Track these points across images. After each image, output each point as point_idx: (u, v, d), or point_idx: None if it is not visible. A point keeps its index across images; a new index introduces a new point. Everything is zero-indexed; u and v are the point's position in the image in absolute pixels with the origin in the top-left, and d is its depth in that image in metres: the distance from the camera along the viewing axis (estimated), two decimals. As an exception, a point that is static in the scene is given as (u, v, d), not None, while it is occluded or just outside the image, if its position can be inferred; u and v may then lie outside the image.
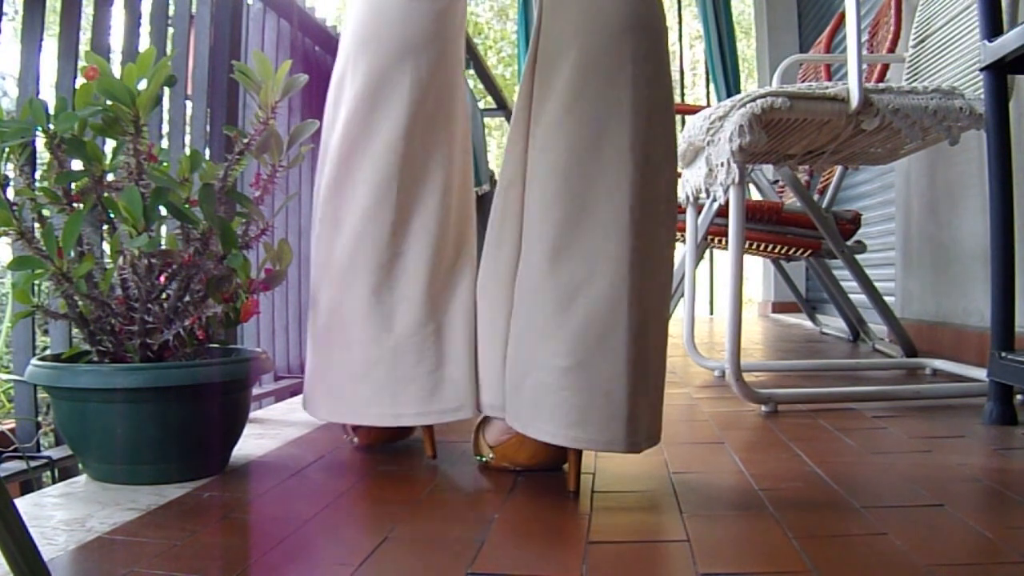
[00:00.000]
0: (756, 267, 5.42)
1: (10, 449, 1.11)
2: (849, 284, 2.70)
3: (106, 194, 0.96)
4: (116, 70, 0.95)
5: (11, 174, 0.92)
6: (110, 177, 0.98)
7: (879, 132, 1.39)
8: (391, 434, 1.11)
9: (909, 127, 1.32)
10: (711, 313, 5.27)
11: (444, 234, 1.01)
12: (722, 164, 1.32)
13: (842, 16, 2.51)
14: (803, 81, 2.80)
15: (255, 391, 1.76)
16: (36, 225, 0.93)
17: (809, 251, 2.59)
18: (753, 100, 1.28)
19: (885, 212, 3.21)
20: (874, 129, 1.33)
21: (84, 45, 1.24)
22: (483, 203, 5.03)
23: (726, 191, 1.36)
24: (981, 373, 1.47)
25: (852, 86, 1.30)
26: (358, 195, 0.99)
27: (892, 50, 2.10)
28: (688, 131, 1.55)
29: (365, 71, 0.98)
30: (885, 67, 2.15)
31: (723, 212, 2.42)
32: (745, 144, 1.27)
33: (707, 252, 4.11)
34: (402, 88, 0.96)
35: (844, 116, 1.33)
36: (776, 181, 2.91)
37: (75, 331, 1.09)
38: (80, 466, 0.99)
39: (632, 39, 0.86)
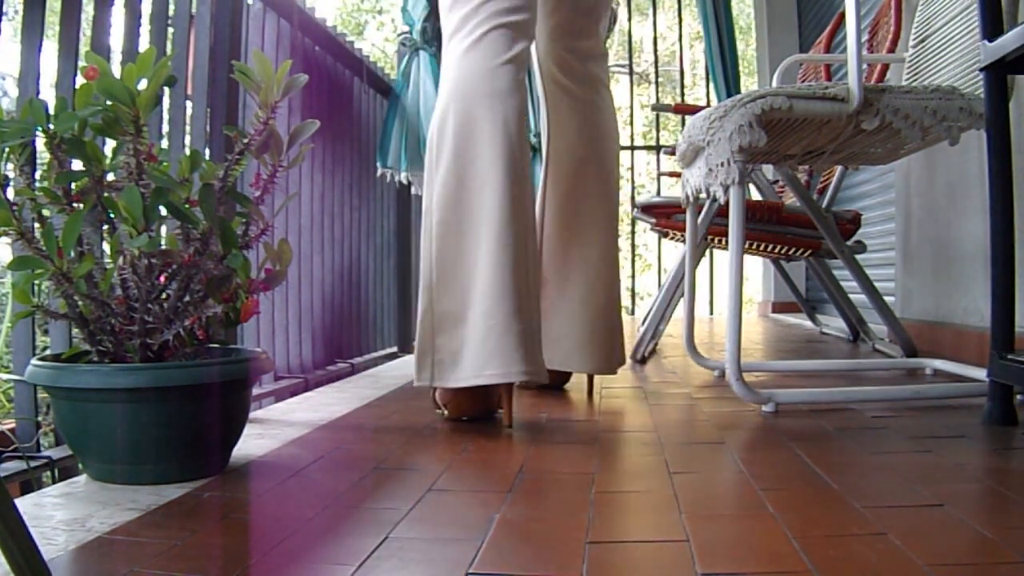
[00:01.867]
0: (756, 267, 5.41)
1: (10, 449, 1.11)
2: (849, 284, 2.70)
3: (106, 194, 0.96)
4: (116, 70, 0.95)
5: (11, 174, 0.92)
6: (110, 177, 0.98)
7: (879, 132, 1.38)
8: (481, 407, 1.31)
9: (909, 127, 1.32)
10: (711, 313, 5.27)
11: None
12: (722, 164, 1.32)
13: (842, 16, 2.51)
14: (803, 81, 2.80)
15: (255, 391, 1.76)
16: (36, 225, 0.93)
17: (809, 251, 2.59)
18: (753, 100, 1.28)
19: (885, 212, 3.21)
20: (874, 129, 1.33)
21: (84, 45, 1.24)
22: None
23: (726, 191, 1.36)
24: (981, 373, 1.47)
25: (852, 86, 1.30)
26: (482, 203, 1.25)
27: (892, 50, 2.10)
28: (688, 131, 1.55)
29: (460, 110, 1.26)
30: (885, 67, 2.15)
31: (723, 212, 2.42)
32: (745, 144, 1.27)
33: (707, 252, 4.11)
34: (495, 123, 1.24)
35: (844, 116, 1.33)
36: (776, 181, 2.91)
37: (75, 331, 1.09)
38: (80, 466, 0.99)
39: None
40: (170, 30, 1.53)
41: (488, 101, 1.24)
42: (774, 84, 2.14)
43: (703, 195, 1.51)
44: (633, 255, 5.87)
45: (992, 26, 1.21)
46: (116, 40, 1.37)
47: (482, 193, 1.23)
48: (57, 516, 0.81)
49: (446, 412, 1.33)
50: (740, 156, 1.29)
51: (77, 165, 0.96)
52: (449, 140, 1.25)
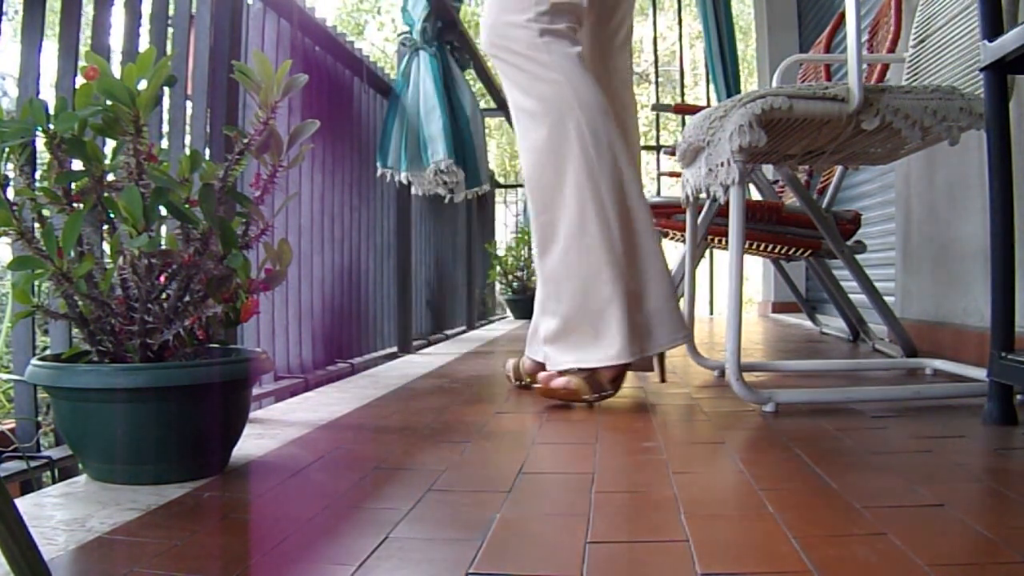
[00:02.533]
0: (756, 267, 5.42)
1: (10, 449, 1.11)
2: (849, 284, 2.70)
3: (106, 194, 0.96)
4: (116, 70, 0.95)
5: (11, 174, 0.92)
6: (110, 177, 0.98)
7: (879, 132, 1.38)
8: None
9: (909, 127, 1.32)
10: (711, 313, 5.27)
11: None
12: (722, 164, 1.32)
13: (842, 16, 2.51)
14: (803, 81, 2.80)
15: (255, 391, 1.76)
16: (36, 225, 0.93)
17: (809, 251, 2.59)
18: (753, 100, 1.28)
19: (885, 212, 3.21)
20: (874, 129, 1.33)
21: (84, 45, 1.24)
22: (483, 203, 5.03)
23: (726, 191, 1.36)
24: (981, 373, 1.47)
25: (852, 86, 1.30)
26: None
27: (892, 50, 2.10)
28: (688, 131, 1.55)
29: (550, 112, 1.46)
30: (885, 67, 2.15)
31: (723, 212, 2.42)
32: (745, 144, 1.27)
33: (707, 252, 4.11)
34: (579, 127, 1.44)
35: (844, 116, 1.33)
36: (776, 181, 2.91)
37: (75, 331, 1.09)
38: (80, 466, 0.99)
39: None
40: (170, 30, 1.53)
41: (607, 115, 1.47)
42: (774, 84, 2.14)
43: (703, 195, 1.51)
44: (633, 255, 5.85)
45: (992, 26, 1.21)
46: (116, 40, 1.37)
47: (634, 191, 1.48)
48: (57, 516, 0.81)
49: (593, 395, 1.46)
50: (740, 156, 1.29)
51: (77, 165, 0.96)
52: (605, 140, 1.45)
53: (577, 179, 1.43)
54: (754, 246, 2.65)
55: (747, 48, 8.26)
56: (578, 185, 1.43)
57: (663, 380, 1.66)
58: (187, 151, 1.12)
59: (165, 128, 1.51)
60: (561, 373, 1.47)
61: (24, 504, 0.87)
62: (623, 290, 1.44)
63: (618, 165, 1.45)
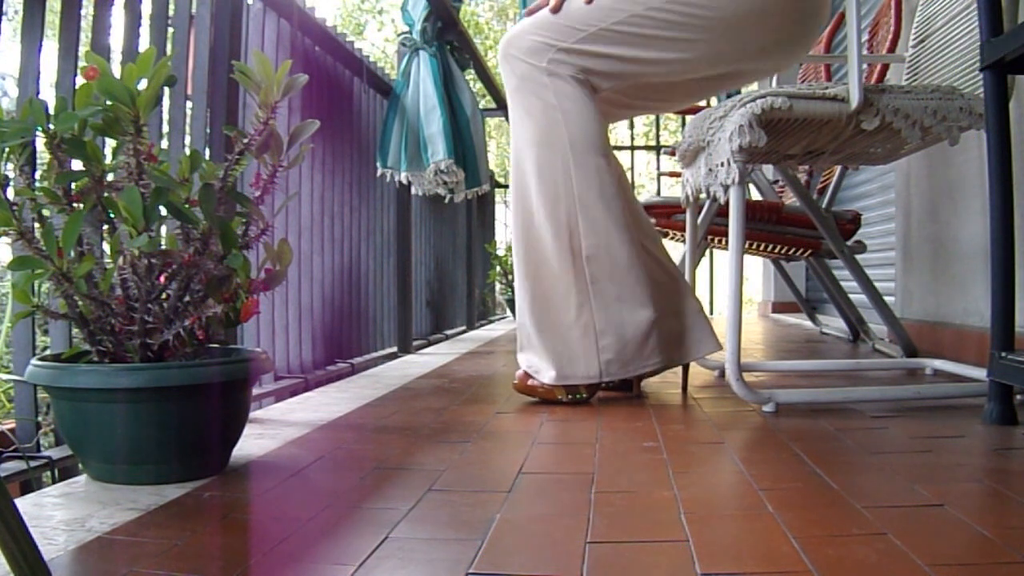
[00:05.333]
0: (756, 267, 5.41)
1: (10, 449, 1.11)
2: (849, 284, 2.70)
3: (106, 194, 0.96)
4: (116, 70, 0.95)
5: (11, 174, 0.92)
6: (110, 177, 0.98)
7: (879, 132, 1.38)
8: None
9: (909, 127, 1.32)
10: (711, 313, 5.27)
11: None
12: (722, 164, 1.32)
13: (842, 16, 2.51)
14: (803, 81, 2.80)
15: (255, 391, 1.76)
16: (36, 225, 0.93)
17: (809, 251, 2.59)
18: (753, 100, 1.28)
19: (885, 212, 3.21)
20: (874, 129, 1.33)
21: (84, 45, 1.24)
22: (483, 203, 5.04)
23: (726, 191, 1.36)
24: (981, 373, 1.47)
25: (852, 86, 1.30)
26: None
27: (892, 50, 2.10)
28: (688, 131, 1.55)
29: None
30: (885, 67, 2.15)
31: (722, 212, 2.42)
32: (745, 144, 1.27)
33: (707, 252, 4.11)
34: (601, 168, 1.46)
35: (844, 116, 1.33)
36: (776, 181, 2.91)
37: (75, 331, 1.09)
38: (80, 466, 0.99)
39: None
40: (170, 30, 1.53)
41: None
42: (774, 84, 2.14)
43: (703, 195, 1.51)
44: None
45: (992, 26, 1.21)
46: (116, 40, 1.37)
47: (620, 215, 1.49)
48: (57, 516, 0.81)
49: (567, 397, 1.49)
50: (740, 156, 1.29)
51: (77, 165, 0.96)
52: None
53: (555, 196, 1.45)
54: (754, 246, 2.65)
55: (747, 48, 8.25)
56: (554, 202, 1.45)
57: (685, 390, 1.64)
58: (187, 151, 1.13)
59: (165, 128, 1.51)
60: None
61: (24, 504, 0.87)
62: (588, 317, 1.46)
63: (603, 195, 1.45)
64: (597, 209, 1.43)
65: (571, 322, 1.46)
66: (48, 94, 1.07)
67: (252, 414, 1.41)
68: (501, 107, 3.90)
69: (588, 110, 1.43)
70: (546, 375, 1.48)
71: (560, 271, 1.46)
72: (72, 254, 0.93)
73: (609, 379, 1.48)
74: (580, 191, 1.43)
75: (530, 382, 1.51)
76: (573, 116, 1.42)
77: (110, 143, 1.00)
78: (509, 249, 5.13)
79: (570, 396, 1.49)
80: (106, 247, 1.00)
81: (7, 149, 0.91)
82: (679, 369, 1.64)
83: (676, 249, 3.13)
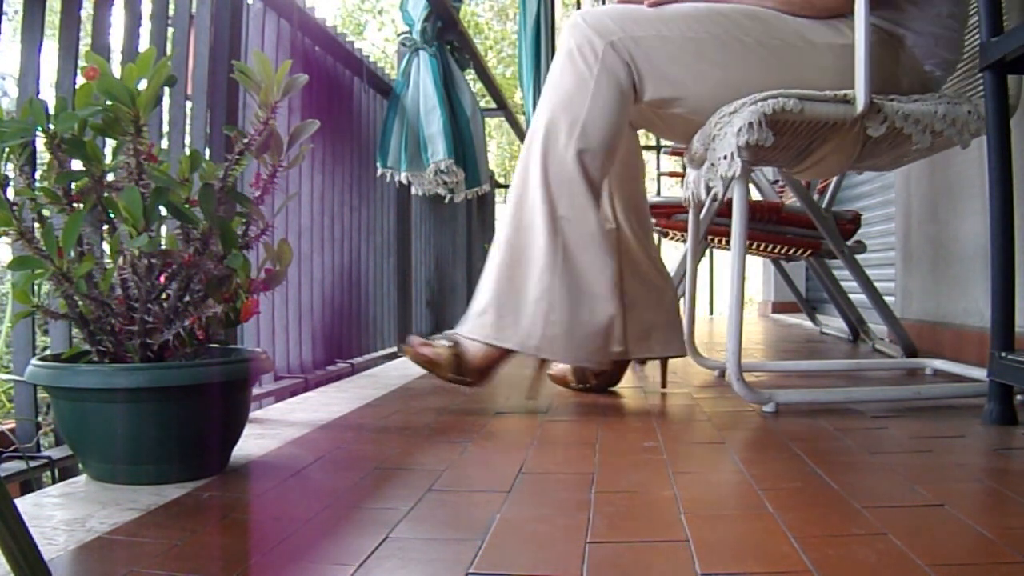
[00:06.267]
0: (756, 267, 5.42)
1: (10, 449, 1.11)
2: (849, 284, 2.70)
3: (106, 194, 0.96)
4: (116, 70, 0.95)
5: (11, 174, 0.92)
6: (110, 177, 0.98)
7: (884, 139, 1.37)
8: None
9: (920, 132, 1.31)
10: (711, 313, 5.27)
11: None
12: (725, 157, 1.31)
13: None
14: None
15: (255, 391, 1.76)
16: (36, 225, 0.93)
17: (809, 251, 2.59)
18: (764, 99, 1.28)
19: (885, 212, 3.21)
20: (880, 136, 1.32)
21: (84, 45, 1.24)
22: (483, 203, 5.04)
23: (727, 185, 1.35)
24: (981, 373, 1.47)
25: (859, 89, 1.28)
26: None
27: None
28: (698, 135, 1.54)
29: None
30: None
31: (723, 212, 2.42)
32: (752, 141, 1.26)
33: (707, 252, 4.11)
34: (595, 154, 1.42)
35: (850, 120, 1.32)
36: (776, 181, 2.91)
37: (75, 331, 1.09)
38: (80, 466, 0.99)
39: None
40: (170, 30, 1.53)
41: None
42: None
43: (703, 193, 1.51)
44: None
45: (992, 26, 1.21)
46: (116, 40, 1.37)
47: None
48: (57, 516, 0.81)
49: (451, 375, 1.45)
50: (746, 151, 1.28)
51: (77, 165, 0.96)
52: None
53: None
54: (754, 246, 2.65)
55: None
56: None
57: (664, 386, 1.68)
58: (187, 151, 1.13)
59: (165, 128, 1.51)
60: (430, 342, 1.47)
61: (24, 504, 0.87)
62: (548, 283, 1.40)
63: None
64: (579, 184, 1.40)
65: (534, 279, 1.39)
66: (48, 94, 1.07)
67: (252, 414, 1.41)
68: (501, 107, 3.89)
69: (616, 104, 1.40)
70: (473, 323, 1.41)
71: (540, 229, 1.40)
72: (72, 254, 0.93)
73: (546, 357, 1.42)
74: (570, 165, 1.39)
75: (423, 349, 1.44)
76: (600, 101, 1.39)
77: (110, 143, 1.00)
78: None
79: (453, 376, 1.42)
80: (106, 247, 1.00)
81: (7, 149, 0.91)
82: (682, 371, 1.64)
83: (676, 249, 3.13)
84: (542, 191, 1.40)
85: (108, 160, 0.97)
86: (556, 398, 1.58)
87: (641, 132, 1.73)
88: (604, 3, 2.28)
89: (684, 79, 1.40)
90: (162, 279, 0.97)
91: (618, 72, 1.39)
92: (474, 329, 1.42)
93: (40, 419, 1.20)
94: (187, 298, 0.98)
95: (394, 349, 2.89)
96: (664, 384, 1.68)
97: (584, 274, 1.40)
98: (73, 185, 0.96)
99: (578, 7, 5.06)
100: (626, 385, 1.74)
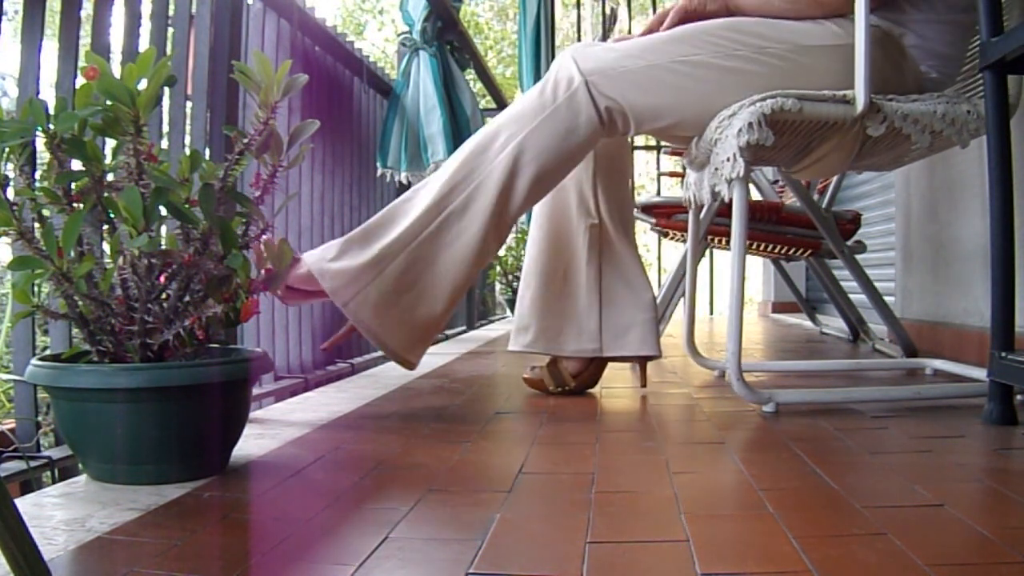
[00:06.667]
0: (756, 267, 5.41)
1: (10, 449, 1.11)
2: (849, 284, 2.70)
3: (106, 194, 0.96)
4: (116, 70, 0.95)
5: (11, 174, 0.92)
6: (110, 177, 0.98)
7: (883, 139, 1.37)
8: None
9: (919, 132, 1.31)
10: (711, 313, 5.27)
11: None
12: (727, 159, 1.31)
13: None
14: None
15: (255, 391, 1.76)
16: (36, 225, 0.93)
17: (809, 251, 2.59)
18: (763, 99, 1.28)
19: (885, 212, 3.21)
20: (879, 136, 1.32)
21: (84, 45, 1.24)
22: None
23: (730, 185, 1.35)
24: (981, 373, 1.47)
25: (859, 89, 1.28)
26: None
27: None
28: (703, 135, 1.54)
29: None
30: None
31: (723, 212, 2.42)
32: (753, 141, 1.26)
33: (707, 252, 4.11)
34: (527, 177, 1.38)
35: (850, 120, 1.32)
36: (776, 181, 2.91)
37: (75, 331, 1.09)
38: (80, 466, 0.99)
39: None
40: (170, 30, 1.53)
41: None
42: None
43: (706, 195, 1.51)
44: (633, 255, 5.86)
45: (992, 26, 1.21)
46: (116, 40, 1.37)
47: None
48: (57, 516, 0.81)
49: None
50: (748, 152, 1.28)
51: (77, 165, 0.96)
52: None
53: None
54: (754, 246, 2.65)
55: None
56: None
57: (644, 385, 1.68)
58: (187, 151, 1.13)
59: (165, 128, 1.51)
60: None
61: (24, 504, 0.87)
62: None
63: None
64: (488, 196, 1.35)
65: (387, 237, 1.34)
66: (48, 94, 1.07)
67: (252, 414, 1.41)
68: (501, 107, 3.89)
69: (562, 139, 1.35)
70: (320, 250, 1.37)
71: (423, 203, 1.36)
72: (72, 254, 0.93)
73: (347, 316, 1.34)
74: (494, 171, 1.35)
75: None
76: (547, 129, 1.35)
77: (110, 143, 1.00)
78: (509, 249, 5.13)
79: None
80: (106, 247, 1.00)
81: (7, 149, 0.91)
82: (682, 371, 1.64)
83: (676, 249, 3.13)
84: (448, 177, 1.36)
85: (108, 160, 0.97)
86: (556, 399, 1.58)
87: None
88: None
89: (677, 105, 1.38)
90: (162, 279, 0.97)
91: (582, 110, 1.35)
92: (312, 254, 1.35)
93: (40, 419, 1.20)
94: (187, 298, 0.98)
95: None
96: (644, 384, 1.67)
97: (433, 273, 1.35)
98: (73, 185, 0.96)
99: (578, 7, 5.06)
100: (626, 385, 1.74)
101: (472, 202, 1.35)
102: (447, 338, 3.63)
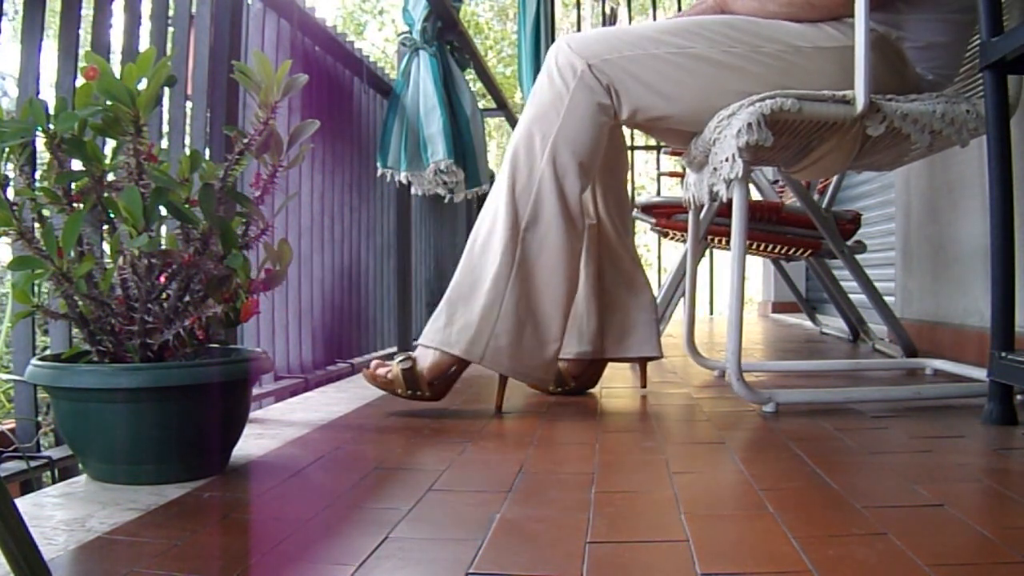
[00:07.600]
0: (756, 267, 5.41)
1: (10, 449, 1.11)
2: (849, 284, 2.70)
3: (106, 194, 0.96)
4: (116, 70, 0.95)
5: (11, 174, 0.92)
6: (110, 177, 0.98)
7: (883, 139, 1.37)
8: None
9: (919, 132, 1.31)
10: (711, 313, 5.26)
11: None
12: (727, 159, 1.31)
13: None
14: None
15: (255, 391, 1.76)
16: (36, 225, 0.93)
17: (809, 251, 2.59)
18: (762, 100, 1.28)
19: (885, 212, 3.21)
20: (879, 136, 1.32)
21: (84, 45, 1.24)
22: (483, 202, 4.98)
23: (729, 186, 1.35)
24: (981, 373, 1.47)
25: (859, 89, 1.28)
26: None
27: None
28: (699, 138, 1.54)
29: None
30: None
31: (723, 212, 2.42)
32: (752, 141, 1.26)
33: (707, 252, 4.11)
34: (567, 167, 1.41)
35: (849, 120, 1.32)
36: (776, 181, 2.91)
37: (75, 331, 1.09)
38: (80, 466, 0.99)
39: None
40: (170, 30, 1.53)
41: None
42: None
43: (706, 196, 1.51)
44: (633, 255, 5.86)
45: (992, 26, 1.21)
46: (116, 40, 1.37)
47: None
48: (57, 516, 0.81)
49: (407, 391, 1.43)
50: (747, 153, 1.28)
51: (77, 165, 0.96)
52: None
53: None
54: (754, 246, 2.65)
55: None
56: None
57: (644, 386, 1.68)
58: (187, 151, 1.13)
59: (165, 128, 1.51)
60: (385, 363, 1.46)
61: (24, 504, 0.87)
62: (502, 289, 1.39)
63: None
64: (549, 197, 1.39)
65: (487, 286, 1.37)
66: (48, 94, 1.07)
67: (252, 414, 1.41)
68: (501, 107, 3.89)
69: (592, 119, 1.39)
70: (428, 328, 1.40)
71: (500, 235, 1.39)
72: (72, 254, 0.93)
73: (489, 368, 1.38)
74: (540, 177, 1.39)
75: (379, 370, 1.44)
76: (575, 115, 1.39)
77: (110, 143, 1.00)
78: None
79: (408, 392, 1.41)
80: (106, 247, 1.00)
81: (7, 149, 0.91)
82: (682, 371, 1.64)
83: (676, 249, 3.13)
84: (507, 198, 1.39)
85: (108, 160, 0.97)
86: (556, 399, 1.58)
87: (641, 134, 1.73)
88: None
89: (671, 96, 1.39)
90: (162, 279, 0.97)
91: (595, 89, 1.39)
92: (427, 334, 1.41)
93: (40, 419, 1.20)
94: (187, 298, 0.98)
95: (394, 349, 2.89)
96: (644, 384, 1.68)
97: (538, 291, 1.39)
98: (73, 185, 0.96)
99: (578, 7, 5.06)
100: (626, 385, 1.75)
101: (540, 210, 1.39)
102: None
